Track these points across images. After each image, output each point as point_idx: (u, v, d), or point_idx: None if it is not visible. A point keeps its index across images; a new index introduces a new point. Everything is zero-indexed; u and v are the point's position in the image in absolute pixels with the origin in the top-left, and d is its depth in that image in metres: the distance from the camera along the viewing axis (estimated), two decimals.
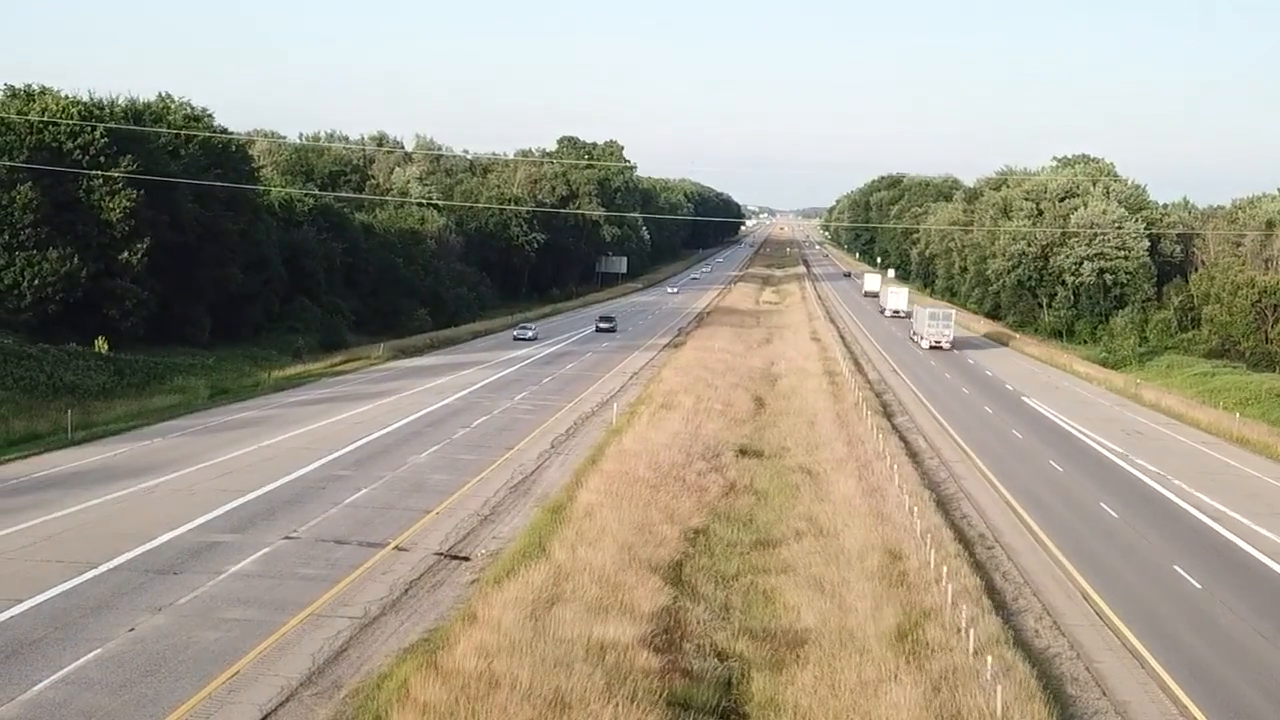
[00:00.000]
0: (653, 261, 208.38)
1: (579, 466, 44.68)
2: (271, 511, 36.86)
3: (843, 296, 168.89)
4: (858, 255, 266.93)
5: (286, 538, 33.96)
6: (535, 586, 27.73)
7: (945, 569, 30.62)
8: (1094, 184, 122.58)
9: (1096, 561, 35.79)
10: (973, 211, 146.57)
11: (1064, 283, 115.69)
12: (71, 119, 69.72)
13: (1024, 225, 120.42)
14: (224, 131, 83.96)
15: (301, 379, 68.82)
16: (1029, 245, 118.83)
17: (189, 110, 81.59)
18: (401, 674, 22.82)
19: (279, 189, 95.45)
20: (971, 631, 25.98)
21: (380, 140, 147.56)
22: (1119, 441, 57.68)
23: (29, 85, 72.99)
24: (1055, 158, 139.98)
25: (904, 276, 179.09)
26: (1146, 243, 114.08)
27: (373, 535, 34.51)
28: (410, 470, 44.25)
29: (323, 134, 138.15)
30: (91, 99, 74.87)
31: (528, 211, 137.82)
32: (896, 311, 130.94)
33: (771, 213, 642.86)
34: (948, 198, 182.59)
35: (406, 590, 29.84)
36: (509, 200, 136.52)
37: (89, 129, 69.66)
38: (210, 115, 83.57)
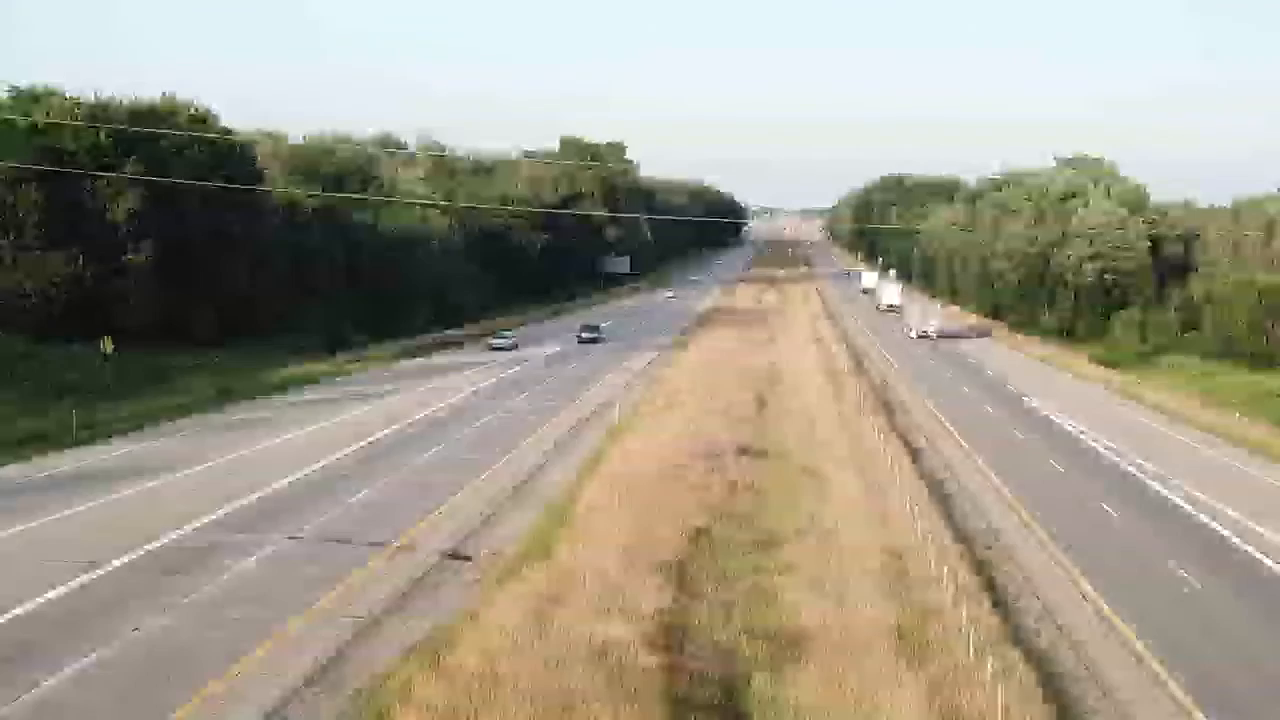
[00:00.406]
0: (656, 262, 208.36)
1: (581, 467, 44.85)
2: (275, 511, 37.05)
3: (843, 294, 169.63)
4: (860, 255, 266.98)
5: (290, 537, 34.14)
6: (538, 586, 27.89)
7: (946, 568, 30.78)
8: (1095, 184, 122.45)
9: (1097, 561, 35.90)
10: (974, 213, 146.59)
11: (1065, 283, 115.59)
12: (77, 120, 69.91)
13: (1025, 228, 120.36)
14: (228, 132, 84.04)
15: (305, 379, 69.02)
16: (1030, 246, 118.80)
17: (194, 111, 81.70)
18: (405, 674, 22.98)
19: (283, 189, 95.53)
20: (972, 631, 26.12)
21: (384, 141, 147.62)
22: (1120, 441, 57.75)
23: (34, 86, 73.20)
24: (1056, 158, 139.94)
25: (906, 277, 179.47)
26: (1148, 243, 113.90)
27: (376, 535, 34.67)
28: (413, 470, 44.42)
29: (327, 134, 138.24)
30: (97, 100, 75.01)
31: (530, 212, 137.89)
32: (891, 306, 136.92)
33: (774, 213, 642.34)
34: (949, 198, 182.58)
35: (410, 590, 30.00)
36: (512, 201, 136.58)
37: (94, 130, 69.84)
38: (215, 116, 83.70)
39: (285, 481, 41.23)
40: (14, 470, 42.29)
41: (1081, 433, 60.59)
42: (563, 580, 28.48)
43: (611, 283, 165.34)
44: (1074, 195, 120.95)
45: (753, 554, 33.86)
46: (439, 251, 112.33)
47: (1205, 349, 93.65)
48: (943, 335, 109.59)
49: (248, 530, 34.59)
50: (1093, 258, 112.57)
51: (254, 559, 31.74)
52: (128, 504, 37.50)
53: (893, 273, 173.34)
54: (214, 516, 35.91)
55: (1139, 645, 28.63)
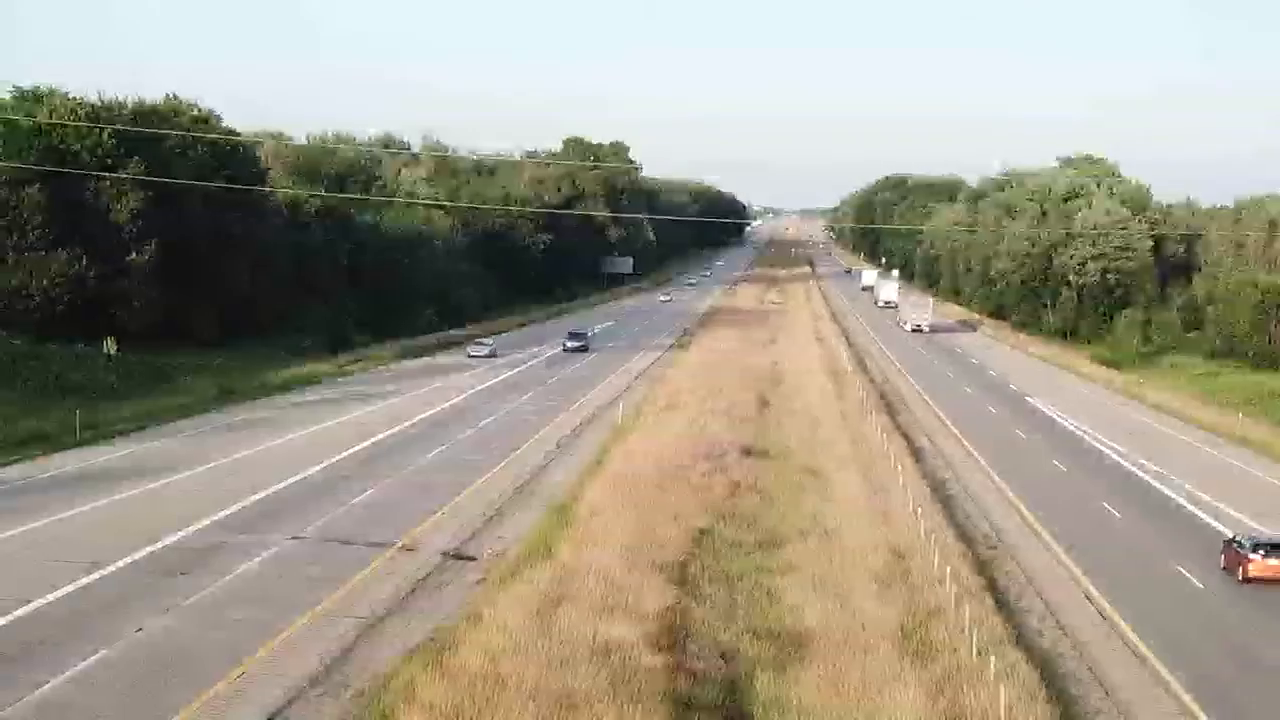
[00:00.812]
0: (659, 262, 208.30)
1: (584, 467, 44.86)
2: (277, 512, 37.06)
3: (845, 293, 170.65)
4: (862, 256, 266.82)
5: (293, 538, 34.16)
6: (541, 587, 27.90)
7: (948, 568, 30.77)
8: (1097, 184, 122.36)
9: (1100, 561, 35.88)
10: (976, 212, 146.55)
11: (1068, 283, 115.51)
12: (79, 121, 69.93)
13: (1027, 228, 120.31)
14: (231, 133, 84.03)
15: (308, 379, 69.04)
16: (1033, 246, 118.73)
17: (196, 112, 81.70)
18: (408, 674, 22.99)
19: (286, 190, 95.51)
20: (975, 631, 26.11)
21: (387, 141, 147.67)
22: (1122, 441, 57.72)
23: (37, 86, 73.22)
24: (1058, 158, 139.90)
25: (909, 277, 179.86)
26: (1150, 243, 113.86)
27: (379, 535, 34.68)
28: (416, 471, 44.43)
29: (330, 135, 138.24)
30: (100, 100, 75.04)
31: (533, 212, 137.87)
32: (888, 302, 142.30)
33: (777, 213, 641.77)
34: (952, 198, 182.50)
35: (413, 590, 30.01)
36: (515, 201, 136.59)
37: (97, 130, 69.87)
38: (218, 117, 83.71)
39: (287, 482, 41.24)
40: (16, 470, 42.30)
41: (1084, 432, 60.57)
42: (565, 580, 28.48)
43: (614, 283, 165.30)
44: (1076, 195, 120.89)
45: (755, 554, 33.86)
46: (441, 252, 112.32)
47: (1207, 349, 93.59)
48: (935, 329, 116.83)
49: (250, 531, 34.61)
50: (1095, 258, 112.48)
51: (256, 559, 31.75)
52: (130, 504, 37.51)
53: (894, 272, 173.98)
54: (216, 517, 35.92)
55: (1141, 646, 28.62)
